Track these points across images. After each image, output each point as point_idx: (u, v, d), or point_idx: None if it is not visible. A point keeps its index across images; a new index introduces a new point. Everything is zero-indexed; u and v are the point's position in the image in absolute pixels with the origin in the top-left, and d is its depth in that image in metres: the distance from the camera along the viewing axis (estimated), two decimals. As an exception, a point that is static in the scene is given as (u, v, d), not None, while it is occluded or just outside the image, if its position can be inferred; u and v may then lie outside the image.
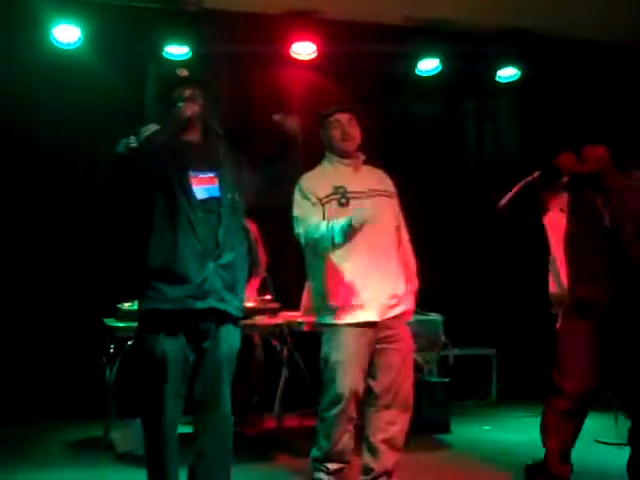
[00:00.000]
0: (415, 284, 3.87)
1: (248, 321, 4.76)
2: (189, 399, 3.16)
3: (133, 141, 2.99)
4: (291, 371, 5.08)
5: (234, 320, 3.20)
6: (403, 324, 3.73)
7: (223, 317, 3.13)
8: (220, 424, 3.16)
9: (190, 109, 3.12)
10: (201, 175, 3.11)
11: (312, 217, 3.61)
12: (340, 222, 3.49)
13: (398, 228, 3.82)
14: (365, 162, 3.86)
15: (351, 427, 3.61)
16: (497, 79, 6.74)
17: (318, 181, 3.71)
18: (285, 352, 4.99)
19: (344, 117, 3.76)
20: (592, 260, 3.72)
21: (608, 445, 4.89)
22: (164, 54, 5.88)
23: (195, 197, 3.07)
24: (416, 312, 5.24)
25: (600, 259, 3.70)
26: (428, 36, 6.38)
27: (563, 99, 6.61)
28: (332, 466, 3.63)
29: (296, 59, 6.28)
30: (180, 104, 3.13)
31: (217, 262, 3.08)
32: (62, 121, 5.79)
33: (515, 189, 3.76)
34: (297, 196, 3.70)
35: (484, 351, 6.52)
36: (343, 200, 3.63)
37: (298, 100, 6.30)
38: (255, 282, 5.35)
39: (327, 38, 6.19)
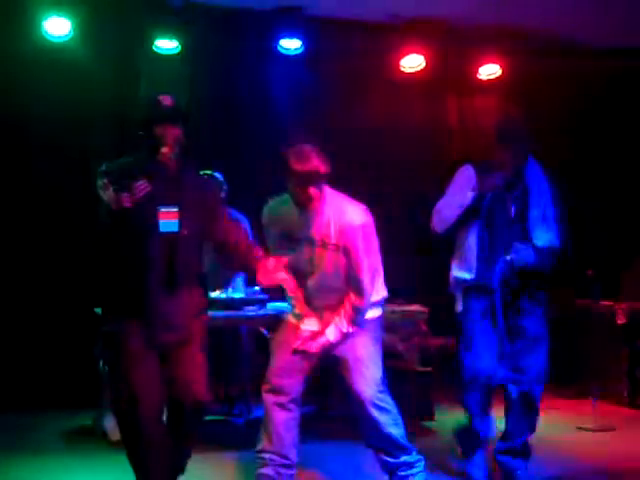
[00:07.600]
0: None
1: (237, 312, 4.88)
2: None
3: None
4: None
5: None
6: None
7: None
8: None
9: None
10: (164, 210, 3.25)
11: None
12: None
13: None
14: None
15: None
16: (479, 76, 6.90)
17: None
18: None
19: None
20: None
21: (589, 432, 5.19)
22: (154, 48, 5.96)
23: (159, 229, 3.23)
24: (398, 303, 5.45)
25: None
26: (412, 33, 6.51)
27: (542, 96, 6.77)
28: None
29: (283, 54, 6.37)
30: (163, 148, 3.25)
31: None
32: (53, 113, 5.84)
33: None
34: None
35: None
36: None
37: (285, 95, 6.43)
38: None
39: (313, 34, 6.29)
